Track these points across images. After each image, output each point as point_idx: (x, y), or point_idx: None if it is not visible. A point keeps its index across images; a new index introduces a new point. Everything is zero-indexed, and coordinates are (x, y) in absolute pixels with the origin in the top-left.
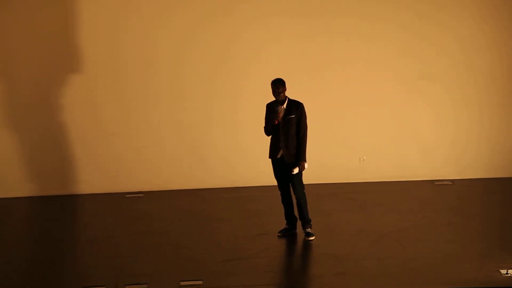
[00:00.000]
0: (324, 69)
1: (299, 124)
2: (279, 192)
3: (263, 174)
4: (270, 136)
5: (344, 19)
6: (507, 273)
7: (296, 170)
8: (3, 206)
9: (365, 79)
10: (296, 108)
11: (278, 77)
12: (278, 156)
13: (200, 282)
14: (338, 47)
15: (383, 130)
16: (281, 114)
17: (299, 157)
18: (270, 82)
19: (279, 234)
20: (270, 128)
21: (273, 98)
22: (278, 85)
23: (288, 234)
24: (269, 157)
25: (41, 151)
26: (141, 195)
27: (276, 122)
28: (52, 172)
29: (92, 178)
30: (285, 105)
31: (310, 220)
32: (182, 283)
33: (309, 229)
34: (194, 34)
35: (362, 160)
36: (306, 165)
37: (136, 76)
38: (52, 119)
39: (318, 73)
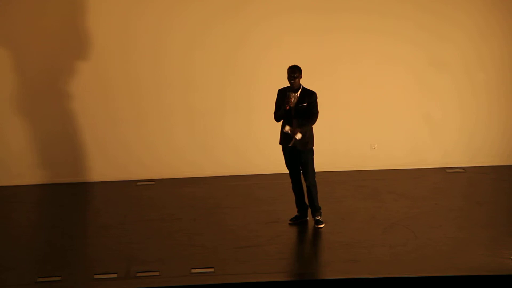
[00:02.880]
0: (336, 60)
1: (309, 111)
2: (289, 180)
3: (274, 162)
4: (281, 123)
5: (355, 14)
6: None
7: (298, 136)
8: (15, 194)
9: (376, 69)
10: (309, 96)
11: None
12: (290, 145)
13: (211, 270)
14: (350, 39)
15: (395, 117)
16: (294, 100)
17: (299, 124)
18: (286, 68)
19: (290, 222)
20: (281, 114)
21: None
22: (294, 70)
23: (299, 221)
24: (280, 143)
25: (52, 139)
26: (152, 182)
27: (288, 108)
28: (63, 159)
29: (103, 166)
30: (298, 93)
31: (320, 208)
32: (194, 271)
33: (319, 216)
34: (208, 22)
35: (373, 147)
36: (299, 136)
37: (148, 64)
38: (63, 107)
39: (331, 64)
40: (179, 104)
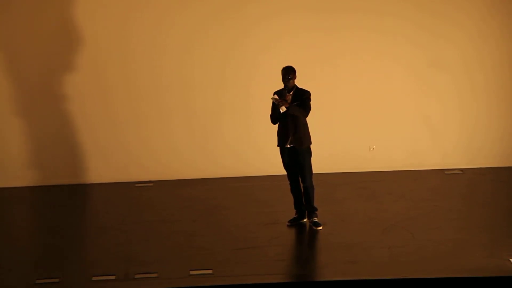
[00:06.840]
0: (334, 61)
1: (301, 107)
2: (288, 182)
3: (273, 163)
4: (277, 125)
5: (355, 14)
6: None
7: (283, 109)
8: (13, 195)
9: (375, 70)
10: (302, 95)
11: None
12: (287, 145)
13: (210, 271)
14: (350, 40)
15: (393, 119)
16: (288, 100)
17: (293, 107)
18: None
19: (289, 224)
20: (276, 115)
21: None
22: (288, 71)
23: (298, 223)
24: (278, 145)
25: (50, 140)
26: (151, 184)
27: (284, 109)
28: (61, 161)
29: (102, 167)
30: (292, 93)
31: (316, 209)
32: (192, 272)
33: (316, 218)
34: (206, 23)
35: (371, 149)
36: (283, 109)
37: (146, 66)
38: (61, 108)
39: (329, 65)
40: (177, 106)
